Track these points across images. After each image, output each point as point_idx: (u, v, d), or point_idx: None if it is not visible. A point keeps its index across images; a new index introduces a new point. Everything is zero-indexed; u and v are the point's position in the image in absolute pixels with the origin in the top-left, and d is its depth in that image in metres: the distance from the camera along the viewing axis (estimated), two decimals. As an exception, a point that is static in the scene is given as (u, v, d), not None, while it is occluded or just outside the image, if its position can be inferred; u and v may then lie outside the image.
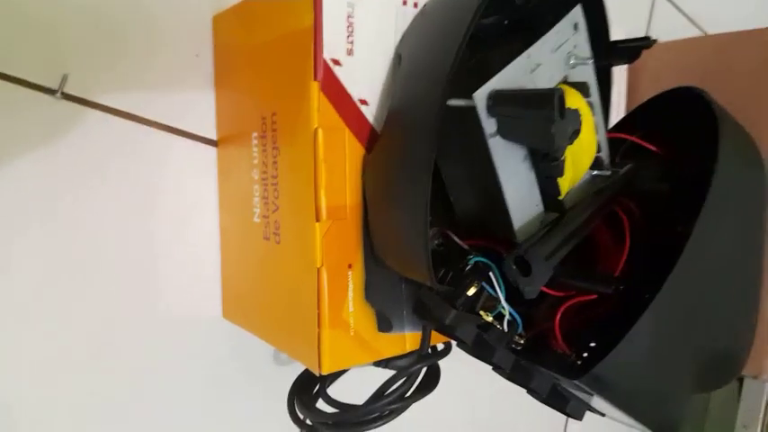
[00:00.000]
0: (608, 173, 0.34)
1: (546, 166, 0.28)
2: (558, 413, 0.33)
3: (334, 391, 0.40)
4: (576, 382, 0.30)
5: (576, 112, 0.27)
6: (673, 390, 0.32)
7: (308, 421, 0.39)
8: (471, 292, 0.30)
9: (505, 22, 0.34)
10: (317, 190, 0.32)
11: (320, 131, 0.31)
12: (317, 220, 0.32)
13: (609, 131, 0.36)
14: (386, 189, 0.31)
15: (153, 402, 0.41)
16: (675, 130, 0.36)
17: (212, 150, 0.43)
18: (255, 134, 0.37)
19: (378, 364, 0.38)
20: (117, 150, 0.39)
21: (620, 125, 0.39)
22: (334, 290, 0.33)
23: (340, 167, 0.32)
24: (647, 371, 0.30)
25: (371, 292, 0.35)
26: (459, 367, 0.41)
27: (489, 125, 0.27)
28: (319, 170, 0.31)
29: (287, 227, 0.35)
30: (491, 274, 0.32)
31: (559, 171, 0.28)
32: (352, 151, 0.33)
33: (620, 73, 0.49)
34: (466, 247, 0.32)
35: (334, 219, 0.32)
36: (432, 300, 0.31)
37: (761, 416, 0.63)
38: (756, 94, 0.43)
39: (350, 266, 0.34)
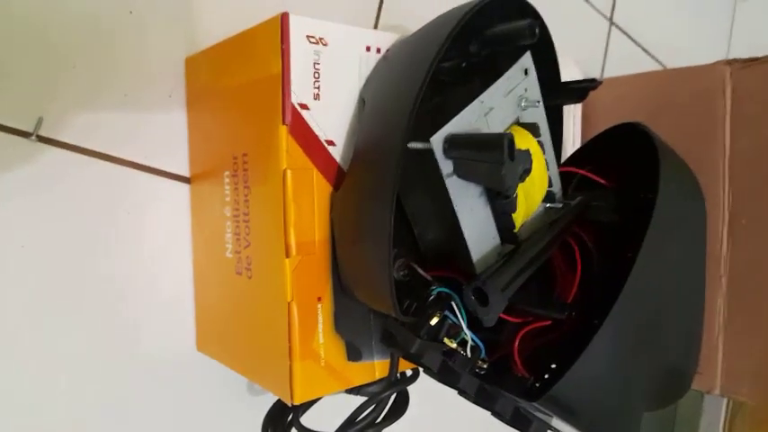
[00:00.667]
0: (560, 205, 0.36)
1: (500, 202, 0.30)
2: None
3: (307, 419, 0.41)
4: (535, 404, 0.32)
5: (526, 153, 0.29)
6: (628, 408, 0.34)
7: (281, 451, 0.40)
8: (434, 321, 0.32)
9: (463, 64, 0.37)
10: (286, 227, 0.33)
11: (289, 172, 0.33)
12: (287, 256, 0.33)
13: (561, 166, 0.38)
14: (352, 224, 0.33)
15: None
16: (623, 163, 0.39)
17: (185, 187, 0.44)
18: (227, 173, 0.38)
19: (350, 391, 0.39)
20: (92, 190, 0.40)
21: (572, 159, 0.41)
22: (305, 322, 0.34)
23: (308, 205, 0.34)
24: (602, 390, 0.32)
25: (341, 324, 0.36)
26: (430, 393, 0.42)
27: (446, 166, 0.29)
28: (288, 209, 0.33)
29: (258, 262, 0.36)
30: (453, 303, 0.34)
31: (512, 207, 0.30)
32: (319, 190, 0.34)
33: (574, 107, 0.52)
34: (429, 278, 0.34)
35: (304, 254, 0.34)
36: (397, 330, 0.33)
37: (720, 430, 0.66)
38: (696, 126, 0.46)
39: (319, 299, 0.35)
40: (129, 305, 0.41)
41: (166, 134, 0.43)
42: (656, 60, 0.91)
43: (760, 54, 0.44)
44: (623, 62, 0.83)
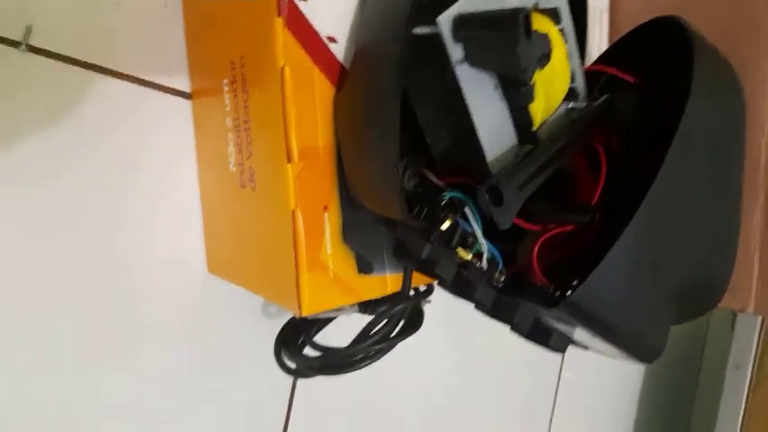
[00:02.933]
0: (583, 105, 0.33)
1: (516, 93, 0.28)
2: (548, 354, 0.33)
3: (321, 340, 0.40)
4: (556, 310, 0.30)
5: (545, 37, 0.27)
6: (653, 317, 0.32)
7: (294, 366, 0.39)
8: (445, 226, 0.30)
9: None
10: (287, 130, 0.31)
11: (287, 69, 0.30)
12: (289, 162, 0.31)
13: (587, 65, 0.35)
14: (356, 127, 0.30)
15: (142, 360, 0.42)
16: (655, 62, 0.36)
17: (187, 103, 0.42)
18: (226, 80, 0.36)
19: (363, 310, 0.38)
20: (89, 105, 0.38)
21: (601, 59, 0.38)
22: (311, 232, 0.33)
23: (310, 107, 0.32)
24: (626, 297, 0.30)
25: (349, 234, 0.34)
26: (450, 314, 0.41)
27: (456, 51, 0.27)
28: (288, 110, 0.31)
29: (261, 172, 0.34)
30: (467, 209, 0.31)
31: (529, 97, 0.27)
32: (322, 91, 0.32)
33: (600, 13, 0.48)
34: (441, 184, 0.32)
35: (307, 160, 0.32)
36: (407, 236, 0.31)
37: (752, 356, 0.64)
38: (735, 23, 0.42)
39: (325, 208, 0.33)
40: (134, 229, 0.40)
41: (164, 46, 0.41)
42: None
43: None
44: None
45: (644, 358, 0.32)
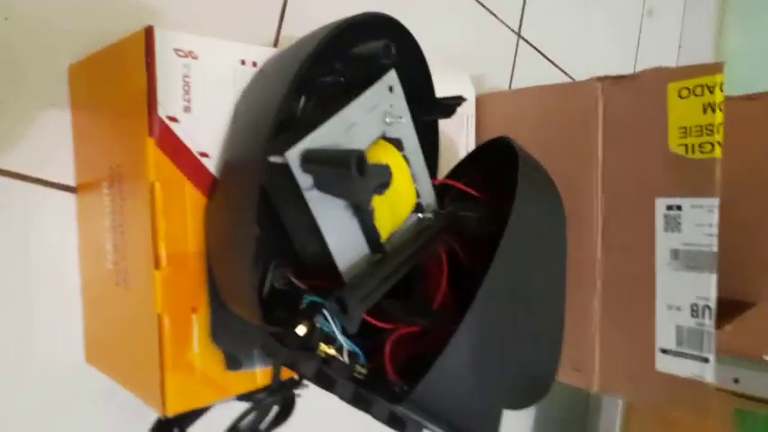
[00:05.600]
0: (430, 215, 0.37)
1: (359, 214, 0.31)
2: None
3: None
4: (400, 407, 0.33)
5: (383, 167, 0.31)
6: (489, 407, 0.35)
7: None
8: (301, 330, 0.33)
9: (341, 79, 0.38)
10: (155, 239, 0.33)
11: (157, 184, 0.33)
12: (157, 268, 0.33)
13: (442, 178, 0.40)
14: (220, 234, 0.33)
15: None
16: (497, 176, 0.41)
17: (72, 197, 0.43)
18: (105, 183, 0.38)
19: (241, 398, 0.40)
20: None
21: (453, 172, 0.43)
22: (178, 333, 0.34)
23: (180, 217, 0.34)
24: (462, 391, 0.33)
25: (219, 334, 0.36)
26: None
27: (305, 180, 0.30)
28: (158, 220, 0.33)
29: (133, 274, 0.36)
30: (326, 311, 0.34)
31: (371, 217, 0.31)
32: (193, 201, 0.35)
33: (467, 121, 0.54)
34: (303, 287, 0.35)
35: (175, 265, 0.34)
36: (266, 340, 0.33)
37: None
38: (573, 140, 0.49)
39: (194, 310, 0.35)
40: (15, 316, 0.40)
41: (50, 143, 0.42)
42: (565, 74, 0.95)
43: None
44: (531, 75, 0.87)
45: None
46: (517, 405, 0.37)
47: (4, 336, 0.40)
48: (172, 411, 0.34)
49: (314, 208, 0.31)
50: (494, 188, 0.41)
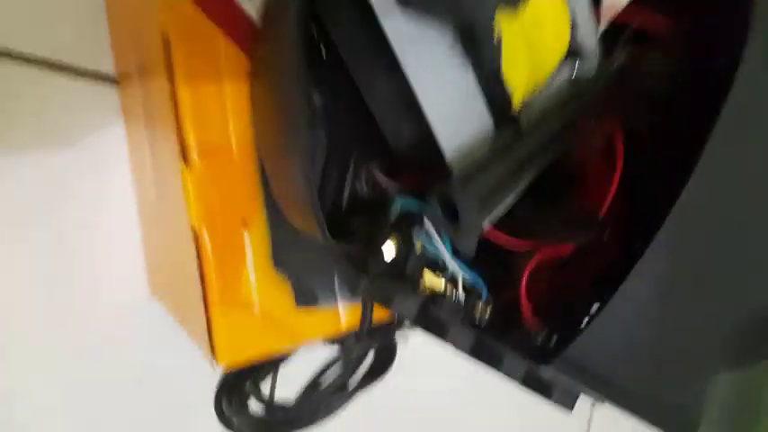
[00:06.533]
0: (592, 71, 0.23)
1: (477, 51, 0.18)
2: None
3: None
4: (550, 368, 0.21)
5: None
6: (684, 374, 0.22)
7: (237, 424, 0.31)
8: (389, 251, 0.21)
9: None
10: (180, 122, 0.23)
11: (173, 35, 0.22)
12: (186, 164, 0.23)
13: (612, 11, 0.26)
14: (263, 115, 0.22)
15: (77, 394, 0.35)
16: (702, 14, 0.26)
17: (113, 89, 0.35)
18: (133, 58, 0.29)
19: (332, 341, 0.30)
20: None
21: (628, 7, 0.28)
22: (224, 256, 0.25)
23: (213, 88, 0.24)
24: (644, 348, 0.21)
25: (282, 257, 0.26)
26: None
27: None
28: (180, 93, 0.23)
29: (164, 178, 0.26)
30: (426, 221, 0.23)
31: (494, 62, 0.18)
32: (232, 64, 0.24)
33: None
34: (390, 186, 0.23)
35: (212, 161, 0.24)
36: (341, 266, 0.22)
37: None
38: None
39: (245, 224, 0.25)
40: (67, 249, 0.33)
41: (85, 29, 0.33)
42: None
43: None
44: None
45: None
46: (734, 364, 0.23)
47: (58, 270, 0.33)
48: (225, 362, 0.25)
49: (396, 44, 0.19)
50: (699, 31, 0.26)
